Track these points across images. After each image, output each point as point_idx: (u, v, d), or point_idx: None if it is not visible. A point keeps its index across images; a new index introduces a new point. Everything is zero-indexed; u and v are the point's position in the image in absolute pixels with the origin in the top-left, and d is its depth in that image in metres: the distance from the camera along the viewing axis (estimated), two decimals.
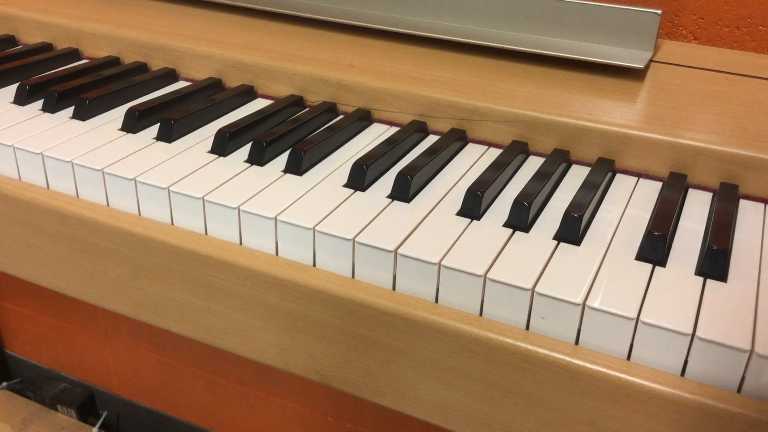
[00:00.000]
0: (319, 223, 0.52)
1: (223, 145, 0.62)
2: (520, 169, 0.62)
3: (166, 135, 0.64)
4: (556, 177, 0.59)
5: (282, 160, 0.62)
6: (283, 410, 1.18)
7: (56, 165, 0.61)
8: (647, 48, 0.72)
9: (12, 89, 0.74)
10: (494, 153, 0.64)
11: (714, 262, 0.48)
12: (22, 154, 0.62)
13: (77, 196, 0.61)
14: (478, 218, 0.54)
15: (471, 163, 0.63)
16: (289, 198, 0.56)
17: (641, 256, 0.50)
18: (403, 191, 0.56)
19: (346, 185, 0.58)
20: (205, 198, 0.55)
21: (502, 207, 0.55)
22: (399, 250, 0.50)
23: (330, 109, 0.70)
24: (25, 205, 0.61)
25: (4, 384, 1.42)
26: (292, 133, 0.65)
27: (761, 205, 0.58)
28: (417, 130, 0.66)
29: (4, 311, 1.42)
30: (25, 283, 1.32)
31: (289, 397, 1.16)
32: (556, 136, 0.63)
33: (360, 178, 0.58)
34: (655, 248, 0.50)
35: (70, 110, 0.70)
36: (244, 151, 0.63)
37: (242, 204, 0.54)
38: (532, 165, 0.63)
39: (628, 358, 0.46)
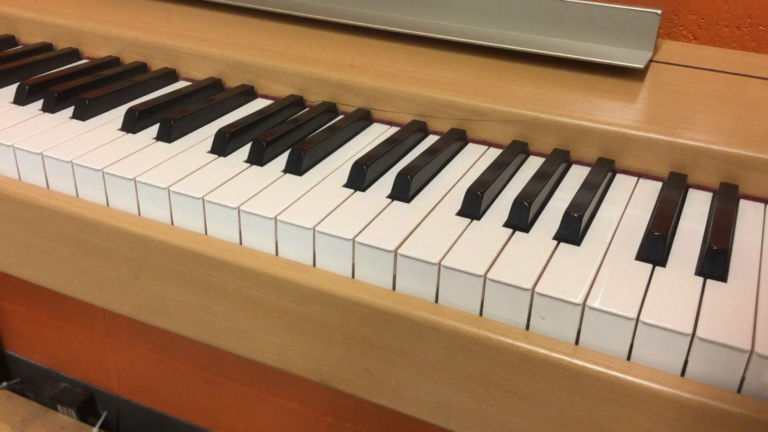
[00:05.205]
0: (319, 223, 0.52)
1: (223, 145, 0.62)
2: (520, 169, 0.62)
3: (166, 135, 0.64)
4: (556, 177, 0.59)
5: (282, 160, 0.62)
6: (283, 410, 1.18)
7: (56, 165, 0.61)
8: (647, 48, 0.72)
9: (12, 89, 0.74)
10: (494, 153, 0.64)
11: (714, 262, 0.48)
12: (22, 154, 0.62)
13: (77, 196, 0.61)
14: (478, 218, 0.54)
15: (471, 163, 0.63)
16: (289, 198, 0.56)
17: (641, 256, 0.50)
18: (403, 191, 0.56)
19: (346, 185, 0.58)
20: (205, 198, 0.55)
21: (502, 207, 0.55)
22: (399, 250, 0.50)
23: (330, 109, 0.70)
24: (25, 205, 0.61)
25: (4, 384, 1.42)
26: (292, 133, 0.65)
27: (761, 205, 0.57)
28: (417, 130, 0.66)
29: (4, 311, 1.42)
30: (25, 283, 1.32)
31: (289, 397, 1.16)
32: (556, 136, 0.63)
33: (360, 178, 0.58)
34: (655, 248, 0.50)
35: (70, 110, 0.70)
36: (244, 151, 0.63)
37: (242, 204, 0.54)
38: (532, 165, 0.63)
39: (628, 358, 0.46)
